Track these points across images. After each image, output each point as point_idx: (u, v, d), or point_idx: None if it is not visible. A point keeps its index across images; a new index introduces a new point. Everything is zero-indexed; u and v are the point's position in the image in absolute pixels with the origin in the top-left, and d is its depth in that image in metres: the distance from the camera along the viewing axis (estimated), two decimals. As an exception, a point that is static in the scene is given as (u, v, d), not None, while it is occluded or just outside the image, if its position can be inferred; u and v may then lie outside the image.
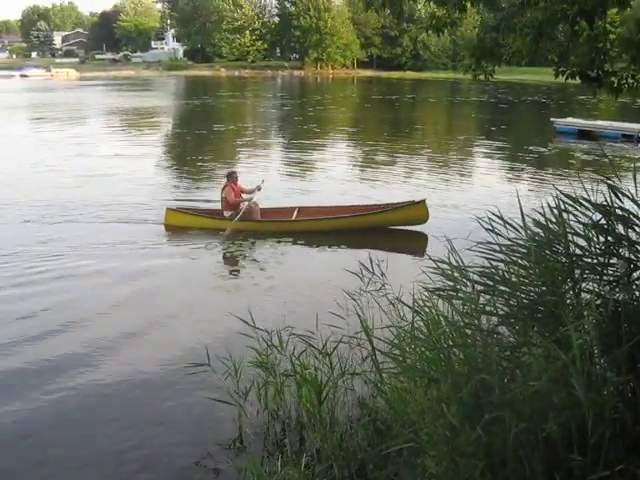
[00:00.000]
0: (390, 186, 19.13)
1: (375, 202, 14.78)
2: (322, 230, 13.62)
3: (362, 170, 23.07)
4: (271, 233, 13.59)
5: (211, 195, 17.39)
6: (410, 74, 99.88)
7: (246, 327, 6.27)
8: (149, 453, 6.15)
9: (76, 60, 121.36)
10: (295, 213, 14.40)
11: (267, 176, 19.29)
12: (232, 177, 14.32)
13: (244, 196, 14.22)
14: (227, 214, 14.04)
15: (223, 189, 14.21)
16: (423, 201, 13.79)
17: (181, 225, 14.03)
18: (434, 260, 4.55)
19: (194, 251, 12.65)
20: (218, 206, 14.59)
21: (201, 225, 14.02)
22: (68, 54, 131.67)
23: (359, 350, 5.92)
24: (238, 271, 12.09)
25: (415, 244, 13.58)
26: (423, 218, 13.70)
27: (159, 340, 8.68)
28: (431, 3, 7.41)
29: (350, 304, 6.27)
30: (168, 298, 10.27)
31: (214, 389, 6.43)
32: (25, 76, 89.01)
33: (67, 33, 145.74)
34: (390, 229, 13.97)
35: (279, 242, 13.13)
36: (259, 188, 14.22)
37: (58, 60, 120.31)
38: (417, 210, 13.73)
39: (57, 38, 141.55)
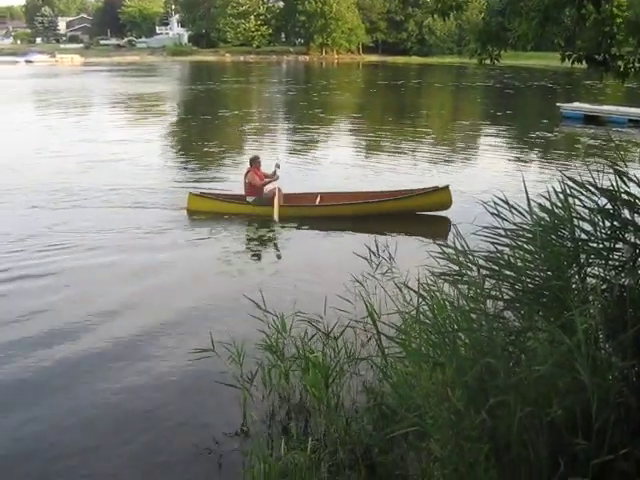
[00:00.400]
0: (395, 171, 19.08)
1: (402, 188, 14.75)
2: (346, 215, 13.64)
3: (367, 155, 23.04)
4: (294, 218, 13.61)
5: (217, 177, 17.58)
6: (416, 59, 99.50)
7: (252, 311, 6.30)
8: (154, 437, 6.19)
9: (80, 46, 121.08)
10: (318, 199, 14.41)
11: (273, 161, 19.34)
12: (255, 162, 14.26)
13: (267, 181, 14.15)
14: (250, 199, 14.01)
15: (246, 174, 14.15)
16: (447, 187, 13.80)
17: (203, 210, 14.02)
18: (439, 245, 4.56)
19: (201, 236, 12.67)
20: (227, 189, 14.65)
21: (224, 210, 14.00)
22: (72, 40, 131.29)
23: (365, 335, 5.94)
24: (245, 256, 11.98)
25: (423, 229, 13.52)
26: (447, 204, 13.72)
27: (164, 326, 8.67)
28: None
29: (358, 289, 6.29)
30: (172, 283, 10.27)
31: (219, 374, 6.44)
32: (30, 62, 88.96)
33: (71, 19, 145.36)
34: (399, 214, 13.93)
35: (284, 227, 13.15)
36: (278, 166, 14.15)
37: (62, 46, 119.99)
38: (441, 196, 13.74)
39: (61, 24, 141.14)
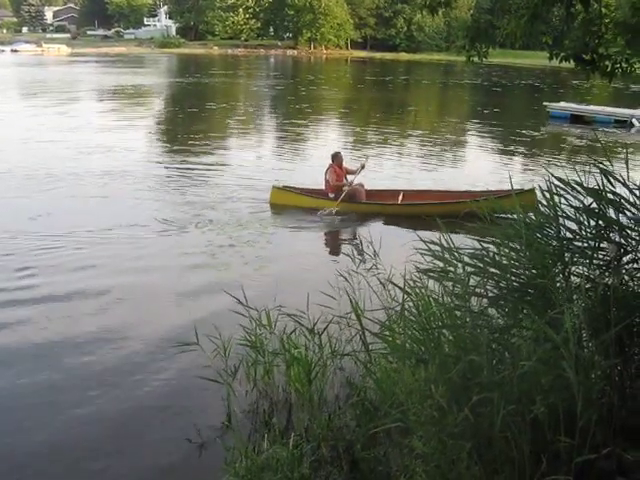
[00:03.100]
0: (381, 168, 19.04)
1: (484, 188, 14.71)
2: (427, 215, 13.41)
3: (353, 150, 22.99)
4: (375, 215, 13.65)
5: (206, 170, 17.69)
6: (404, 55, 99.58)
7: (236, 306, 6.27)
8: (136, 431, 6.15)
9: (67, 36, 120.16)
10: (400, 197, 14.29)
11: (258, 155, 19.41)
12: (337, 159, 14.26)
13: (349, 177, 14.17)
14: (331, 195, 14.08)
15: (327, 171, 14.21)
16: (533, 190, 13.45)
17: (285, 204, 14.13)
18: (425, 241, 4.54)
19: (187, 229, 12.58)
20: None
21: (305, 204, 14.05)
22: (59, 29, 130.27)
23: (349, 330, 5.93)
24: (232, 250, 11.76)
25: (409, 224, 13.46)
26: (532, 206, 13.31)
27: (146, 320, 8.62)
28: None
29: (344, 284, 6.27)
30: (156, 276, 10.20)
31: (203, 368, 6.38)
32: (16, 51, 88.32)
33: (58, 8, 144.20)
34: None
35: (272, 226, 13.11)
36: (363, 166, 14.13)
37: (49, 35, 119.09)
38: (527, 198, 13.33)
39: (48, 13, 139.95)
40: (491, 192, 13.87)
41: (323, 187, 14.33)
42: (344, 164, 14.37)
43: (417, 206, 13.68)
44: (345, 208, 13.68)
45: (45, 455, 5.85)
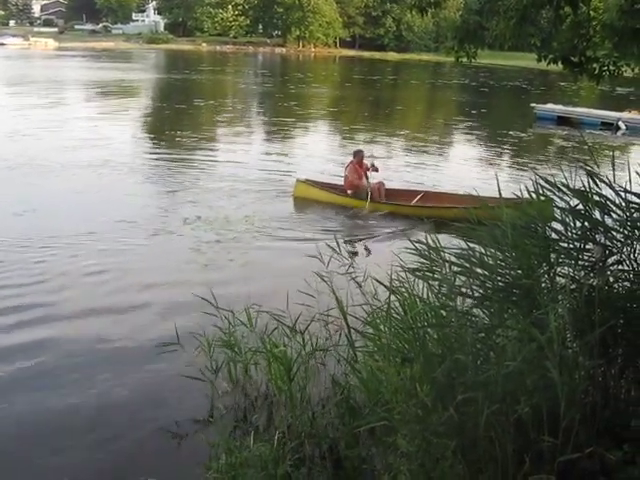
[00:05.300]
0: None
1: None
2: (444, 218, 13.28)
3: (341, 148, 22.99)
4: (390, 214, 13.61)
5: (188, 164, 17.62)
6: (392, 55, 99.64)
7: (221, 304, 6.25)
8: (119, 429, 6.11)
9: (55, 30, 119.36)
10: (417, 198, 14.22)
11: (248, 152, 19.37)
12: (358, 156, 14.32)
13: (361, 182, 14.16)
14: (349, 192, 14.14)
15: (346, 168, 14.30)
16: (551, 200, 13.18)
17: (308, 197, 14.31)
18: (411, 241, 4.55)
19: (174, 225, 12.50)
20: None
21: (327, 200, 14.18)
22: (47, 23, 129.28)
23: (333, 329, 5.92)
24: (218, 246, 11.68)
25: (401, 225, 13.46)
26: (549, 215, 13.26)
27: (128, 318, 8.55)
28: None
29: (329, 283, 6.25)
30: (139, 275, 10.14)
31: (186, 366, 6.37)
32: (3, 44, 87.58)
33: (46, 2, 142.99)
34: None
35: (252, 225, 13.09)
36: (372, 165, 14.19)
37: (36, 29, 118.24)
38: (545, 208, 13.15)
39: (36, 7, 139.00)
40: (515, 199, 13.81)
41: (342, 183, 14.40)
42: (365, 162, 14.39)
43: (434, 209, 13.19)
44: (373, 207, 13.71)
45: (29, 445, 5.82)
